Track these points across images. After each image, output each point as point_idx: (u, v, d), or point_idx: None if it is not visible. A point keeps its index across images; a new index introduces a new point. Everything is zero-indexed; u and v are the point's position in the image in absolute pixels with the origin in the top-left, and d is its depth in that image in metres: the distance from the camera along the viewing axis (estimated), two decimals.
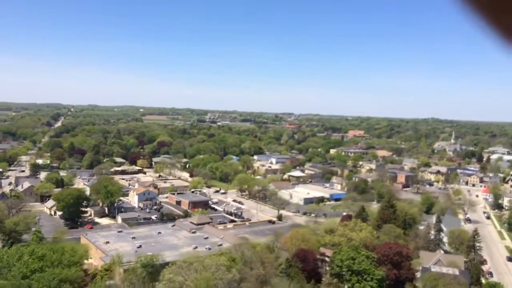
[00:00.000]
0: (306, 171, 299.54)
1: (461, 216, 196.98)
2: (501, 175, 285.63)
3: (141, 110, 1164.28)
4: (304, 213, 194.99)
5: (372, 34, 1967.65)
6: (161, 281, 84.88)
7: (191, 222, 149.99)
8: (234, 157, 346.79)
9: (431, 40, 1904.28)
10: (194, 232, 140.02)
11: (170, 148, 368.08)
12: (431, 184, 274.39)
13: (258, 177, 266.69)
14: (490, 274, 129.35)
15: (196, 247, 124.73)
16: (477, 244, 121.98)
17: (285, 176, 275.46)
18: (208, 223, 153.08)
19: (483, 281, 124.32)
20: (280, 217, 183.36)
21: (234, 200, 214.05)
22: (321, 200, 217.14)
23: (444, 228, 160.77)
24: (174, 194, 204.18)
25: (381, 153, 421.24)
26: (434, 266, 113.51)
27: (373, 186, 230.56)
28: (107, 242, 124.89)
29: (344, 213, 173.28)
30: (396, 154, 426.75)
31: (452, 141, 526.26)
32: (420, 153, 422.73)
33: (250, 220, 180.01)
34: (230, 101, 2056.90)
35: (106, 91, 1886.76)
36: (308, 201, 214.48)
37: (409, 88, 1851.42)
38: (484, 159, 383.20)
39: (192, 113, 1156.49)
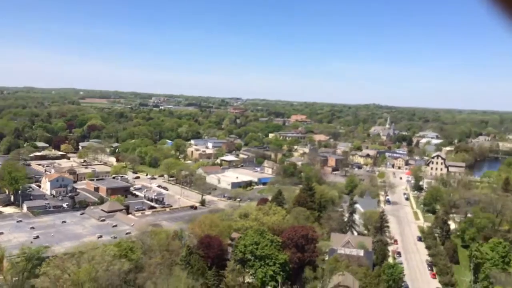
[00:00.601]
0: (241, 155, 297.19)
1: (382, 198, 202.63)
2: (426, 158, 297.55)
3: (81, 93, 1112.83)
4: (230, 198, 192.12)
5: (319, 21, 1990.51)
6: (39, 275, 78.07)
7: (102, 210, 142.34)
8: (169, 141, 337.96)
9: (376, 28, 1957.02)
10: (103, 220, 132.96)
11: (102, 132, 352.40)
12: (359, 167, 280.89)
13: (188, 162, 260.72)
14: (399, 253, 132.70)
15: (100, 236, 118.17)
16: (385, 225, 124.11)
17: (218, 161, 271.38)
18: (121, 210, 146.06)
19: (390, 261, 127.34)
20: (203, 202, 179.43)
21: (159, 186, 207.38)
22: (249, 184, 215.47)
23: (362, 210, 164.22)
24: (93, 180, 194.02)
25: (319, 137, 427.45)
26: (341, 248, 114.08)
27: (302, 170, 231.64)
28: (1, 233, 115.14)
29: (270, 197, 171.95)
30: (333, 138, 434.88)
31: (387, 126, 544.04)
32: (356, 138, 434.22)
33: (171, 206, 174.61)
34: (177, 86, 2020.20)
35: (45, 73, 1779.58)
36: (236, 185, 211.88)
37: (354, 75, 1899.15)
38: (414, 143, 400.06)
39: (136, 97, 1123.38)
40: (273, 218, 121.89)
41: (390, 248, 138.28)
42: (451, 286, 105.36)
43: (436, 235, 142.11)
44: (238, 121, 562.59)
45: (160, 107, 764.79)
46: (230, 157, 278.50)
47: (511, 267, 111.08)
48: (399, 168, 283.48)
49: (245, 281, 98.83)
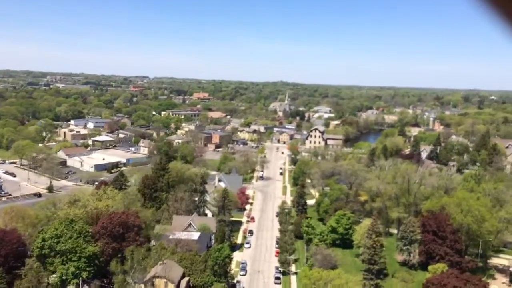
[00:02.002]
0: (121, 135, 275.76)
1: (256, 174, 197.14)
2: None
3: None
4: (88, 182, 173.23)
5: None
6: None
7: None
8: (40, 121, 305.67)
9: (282, 4, 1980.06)
10: None
11: None
12: (245, 143, 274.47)
13: (52, 144, 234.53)
14: (251, 232, 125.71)
15: None
16: (227, 203, 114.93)
17: (89, 141, 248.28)
18: None
19: (239, 241, 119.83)
20: (50, 189, 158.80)
21: (5, 172, 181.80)
22: (115, 166, 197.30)
23: (226, 186, 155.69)
24: None
25: (214, 114, 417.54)
26: (175, 232, 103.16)
27: (178, 148, 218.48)
28: None
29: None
30: (230, 115, 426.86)
31: (286, 101, 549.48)
32: (253, 114, 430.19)
33: (10, 194, 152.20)
34: (77, 64, 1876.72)
35: None
36: (100, 167, 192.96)
37: (263, 53, 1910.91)
38: (306, 118, 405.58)
39: (28, 76, 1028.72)
40: (104, 204, 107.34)
41: (244, 226, 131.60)
42: (287, 264, 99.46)
43: (294, 209, 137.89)
44: (135, 99, 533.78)
45: (51, 86, 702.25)
46: (104, 137, 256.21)
47: (355, 239, 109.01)
48: (284, 143, 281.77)
49: (47, 281, 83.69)
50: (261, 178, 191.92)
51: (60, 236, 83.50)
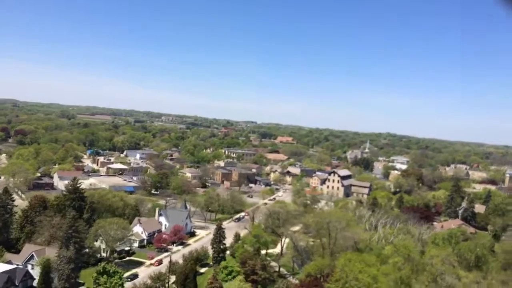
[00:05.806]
0: (146, 165, 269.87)
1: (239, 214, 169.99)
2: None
3: (94, 110, 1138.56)
4: None
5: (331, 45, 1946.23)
6: None
7: None
8: (89, 150, 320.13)
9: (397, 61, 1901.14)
10: None
11: (26, 137, 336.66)
12: (268, 184, 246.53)
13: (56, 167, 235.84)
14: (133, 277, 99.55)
15: None
16: (75, 235, 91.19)
17: (104, 169, 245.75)
18: None
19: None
20: None
21: None
22: None
23: (166, 223, 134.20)
24: None
25: (275, 156, 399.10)
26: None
27: (170, 180, 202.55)
28: None
29: None
30: (293, 158, 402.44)
31: (366, 150, 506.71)
32: (317, 158, 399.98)
33: None
34: (194, 107, 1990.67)
35: (68, 91, 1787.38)
36: None
37: (376, 105, 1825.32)
38: (371, 166, 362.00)
39: (147, 115, 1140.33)
40: None
41: (135, 270, 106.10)
42: None
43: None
44: (213, 138, 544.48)
45: (146, 122, 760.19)
46: (118, 165, 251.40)
47: None
48: (314, 187, 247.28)
49: None
50: (238, 219, 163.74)
51: None
